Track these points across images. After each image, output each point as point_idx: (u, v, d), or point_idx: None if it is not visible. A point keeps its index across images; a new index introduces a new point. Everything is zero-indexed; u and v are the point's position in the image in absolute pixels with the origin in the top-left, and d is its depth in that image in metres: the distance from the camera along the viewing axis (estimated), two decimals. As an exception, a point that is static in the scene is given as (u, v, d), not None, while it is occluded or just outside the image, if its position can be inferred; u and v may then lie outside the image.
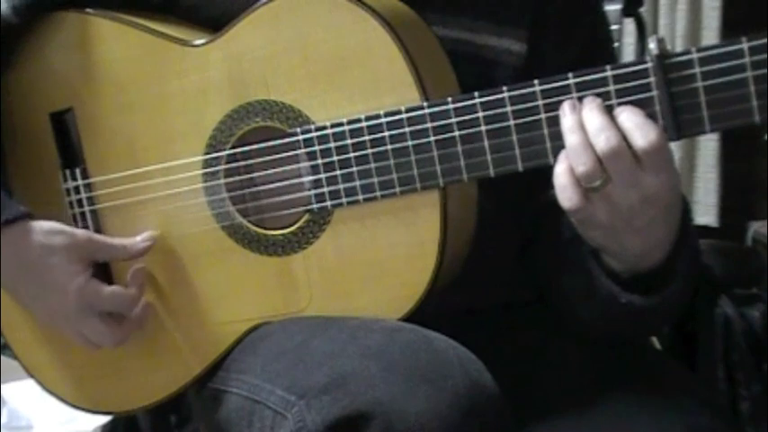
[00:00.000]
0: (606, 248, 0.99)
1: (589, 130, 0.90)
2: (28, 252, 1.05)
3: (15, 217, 1.04)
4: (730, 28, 2.60)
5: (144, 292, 1.11)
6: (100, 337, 1.09)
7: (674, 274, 0.99)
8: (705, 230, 2.64)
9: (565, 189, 0.92)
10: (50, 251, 1.05)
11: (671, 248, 0.98)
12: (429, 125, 0.96)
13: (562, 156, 0.92)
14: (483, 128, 0.94)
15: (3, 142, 1.13)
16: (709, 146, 2.71)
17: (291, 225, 1.05)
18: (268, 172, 1.05)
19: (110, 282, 1.12)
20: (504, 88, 0.93)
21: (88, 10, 1.11)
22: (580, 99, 0.91)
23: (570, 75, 0.91)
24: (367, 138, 0.98)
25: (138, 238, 1.10)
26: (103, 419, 1.47)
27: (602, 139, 0.89)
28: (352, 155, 0.99)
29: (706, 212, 2.72)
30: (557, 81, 0.91)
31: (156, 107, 1.09)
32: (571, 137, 0.91)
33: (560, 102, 0.92)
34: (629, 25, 2.56)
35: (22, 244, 1.05)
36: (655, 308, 1.00)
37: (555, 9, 1.13)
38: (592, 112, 0.90)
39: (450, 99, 0.95)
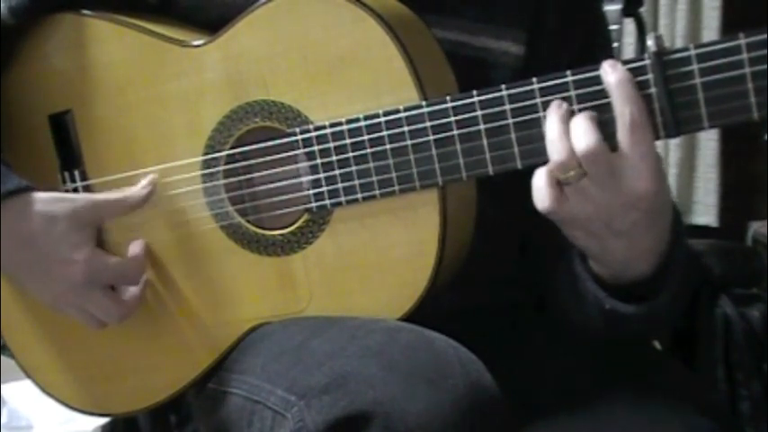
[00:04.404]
0: (590, 251, 0.99)
1: (572, 133, 0.90)
2: (30, 224, 1.03)
3: (16, 188, 1.03)
4: (730, 28, 2.59)
5: (143, 267, 1.10)
6: (105, 313, 1.08)
7: (662, 286, 0.98)
8: (705, 230, 2.64)
9: (539, 189, 0.92)
10: (53, 220, 1.03)
11: (659, 260, 0.97)
12: (428, 124, 0.96)
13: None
14: (482, 126, 0.94)
15: (1, 140, 1.13)
16: (709, 146, 2.72)
17: (291, 225, 1.05)
18: (267, 172, 1.05)
19: None
20: (503, 87, 0.93)
21: (86, 11, 1.11)
22: (578, 96, 0.91)
23: (568, 73, 0.91)
24: (366, 137, 0.98)
25: (139, 185, 1.09)
26: (103, 419, 1.47)
27: (582, 140, 0.89)
28: (350, 154, 0.99)
29: (706, 212, 2.72)
30: (555, 79, 0.91)
31: (154, 108, 1.09)
32: (551, 131, 0.91)
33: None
34: (629, 25, 2.56)
35: (24, 215, 1.03)
36: (641, 317, 0.99)
37: (553, 10, 1.13)
38: (579, 118, 0.90)
39: (448, 98, 0.95)
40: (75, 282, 1.05)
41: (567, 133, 0.90)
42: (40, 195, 1.04)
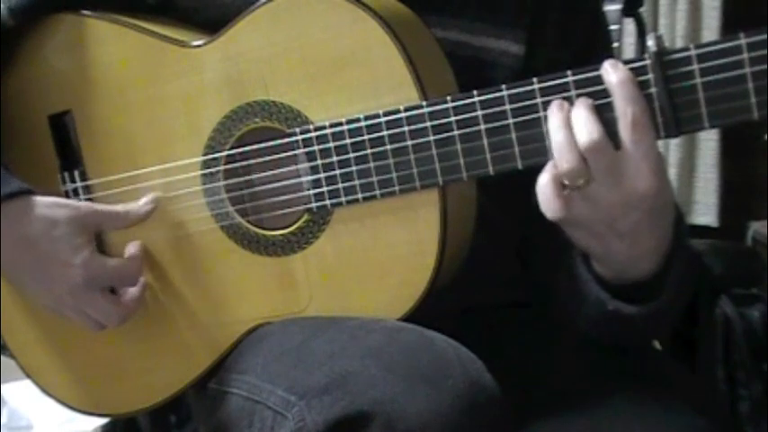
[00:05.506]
0: (592, 251, 0.99)
1: (574, 125, 0.90)
2: (30, 226, 1.03)
3: (16, 191, 1.04)
4: (730, 28, 2.59)
5: (141, 267, 1.10)
6: (104, 315, 1.08)
7: (664, 286, 0.98)
8: (705, 230, 2.64)
9: (547, 199, 0.92)
10: (53, 224, 1.04)
11: (662, 260, 0.97)
12: (428, 124, 0.96)
13: (548, 166, 0.92)
14: (482, 126, 0.94)
15: (2, 141, 1.13)
16: (709, 146, 2.72)
17: (291, 225, 1.05)
18: (267, 172, 1.05)
19: None
20: (503, 87, 0.93)
21: (86, 12, 1.11)
22: (578, 96, 0.91)
23: (569, 72, 0.91)
24: (366, 137, 0.98)
25: (141, 202, 1.09)
26: (103, 419, 1.47)
27: (585, 133, 0.89)
28: (351, 155, 0.99)
29: (706, 212, 2.72)
30: (555, 79, 0.91)
31: (154, 108, 1.09)
32: (557, 135, 0.91)
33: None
34: (629, 25, 2.55)
35: (24, 218, 1.03)
36: (644, 317, 0.99)
37: (553, 10, 1.13)
38: (578, 109, 0.90)
39: (448, 98, 0.95)
40: (75, 285, 1.05)
41: (572, 139, 0.90)
42: (41, 199, 1.05)
